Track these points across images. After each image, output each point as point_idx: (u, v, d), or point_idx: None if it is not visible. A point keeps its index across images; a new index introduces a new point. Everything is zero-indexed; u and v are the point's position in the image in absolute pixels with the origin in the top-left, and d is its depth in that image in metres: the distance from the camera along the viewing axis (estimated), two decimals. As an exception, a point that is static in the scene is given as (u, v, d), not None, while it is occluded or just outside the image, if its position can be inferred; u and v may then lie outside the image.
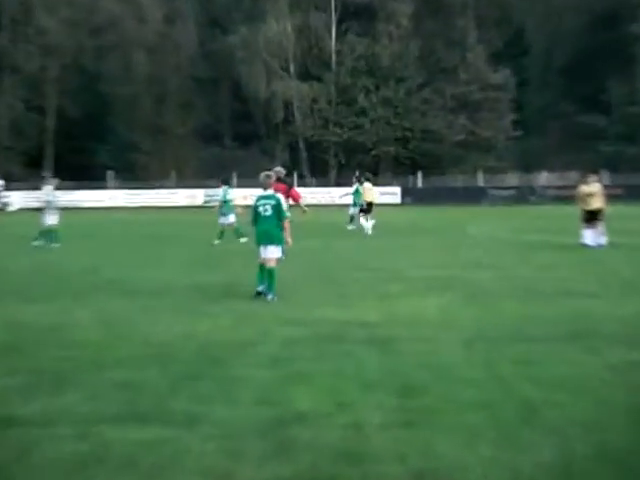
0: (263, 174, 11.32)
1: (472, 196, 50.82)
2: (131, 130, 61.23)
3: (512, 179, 56.54)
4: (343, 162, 62.30)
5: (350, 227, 27.56)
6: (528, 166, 56.30)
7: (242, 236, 21.25)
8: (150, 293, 11.84)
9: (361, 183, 27.67)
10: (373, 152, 61.71)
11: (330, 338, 8.30)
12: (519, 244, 18.26)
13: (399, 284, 12.58)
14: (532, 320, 9.21)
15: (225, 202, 22.54)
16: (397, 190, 54.56)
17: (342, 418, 5.59)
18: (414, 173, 57.05)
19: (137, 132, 61.27)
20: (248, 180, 55.38)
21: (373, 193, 26.34)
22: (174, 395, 6.14)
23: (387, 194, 53.69)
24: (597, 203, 18.33)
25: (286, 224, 11.18)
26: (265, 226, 11.03)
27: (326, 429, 5.40)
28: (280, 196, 11.19)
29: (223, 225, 22.20)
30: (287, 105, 62.30)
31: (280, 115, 62.02)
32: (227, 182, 23.27)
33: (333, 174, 62.61)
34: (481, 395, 6.11)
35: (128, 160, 61.10)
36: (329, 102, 62.04)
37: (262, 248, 11.08)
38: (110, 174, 56.27)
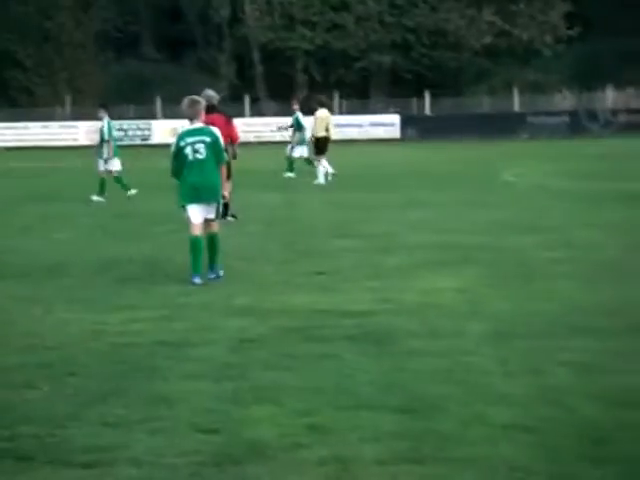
0: (187, 99, 11.20)
1: (505, 126, 51.04)
2: (1, 35, 60.41)
3: (564, 101, 56.72)
4: (317, 78, 62.15)
5: (288, 175, 27.46)
6: (588, 81, 56.36)
7: (128, 188, 22.12)
8: (34, 274, 11.78)
9: (311, 111, 27.28)
10: (360, 64, 61.60)
11: (301, 335, 8.35)
12: (575, 195, 18.47)
13: (399, 256, 12.68)
14: (594, 307, 9.27)
15: (105, 140, 22.18)
16: (395, 119, 54.63)
17: (318, 450, 5.60)
18: (420, 94, 57.03)
19: (12, 38, 60.47)
20: (178, 107, 55.05)
21: (329, 124, 26.18)
22: (74, 423, 6.12)
23: (380, 125, 53.81)
24: None
25: (223, 170, 11.22)
26: (199, 175, 10.88)
27: (295, 467, 5.40)
28: (215, 130, 11.16)
29: (103, 173, 22.06)
30: (234, -4, 61.77)
31: (224, 12, 61.56)
32: (106, 109, 23.03)
33: (302, 96, 62.54)
34: (521, 415, 6.14)
35: (1, 79, 60.35)
36: (295, -9, 61.58)
37: (197, 208, 10.96)
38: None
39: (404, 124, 53.44)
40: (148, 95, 57.64)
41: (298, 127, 28.69)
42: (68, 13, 61.45)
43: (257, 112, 56.50)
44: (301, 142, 28.29)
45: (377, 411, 6.25)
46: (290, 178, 27.43)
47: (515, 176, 26.44)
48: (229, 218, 16.46)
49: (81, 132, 53.22)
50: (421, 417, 6.14)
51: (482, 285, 10.58)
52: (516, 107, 56.12)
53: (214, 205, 11.04)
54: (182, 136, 11.03)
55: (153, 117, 54.85)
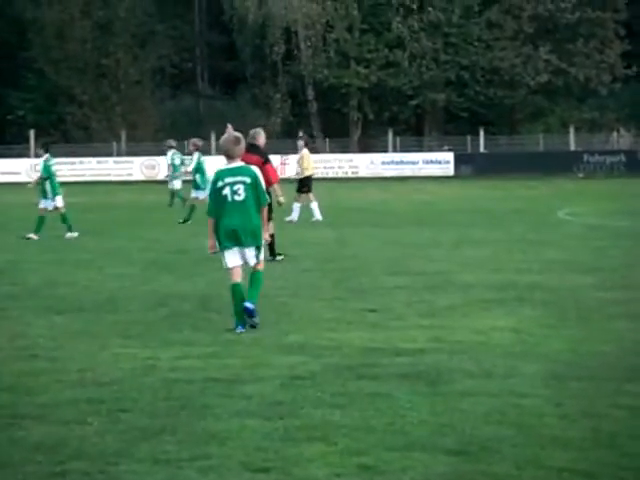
0: (231, 136, 10.70)
1: (561, 165, 50.73)
2: (59, 71, 61.47)
3: (620, 139, 56.29)
4: (370, 117, 62.28)
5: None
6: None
7: (70, 228, 21.62)
8: (89, 308, 11.87)
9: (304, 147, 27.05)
10: (414, 101, 61.62)
11: (353, 372, 8.31)
12: (633, 235, 18.24)
13: (452, 294, 12.62)
14: (655, 349, 9.15)
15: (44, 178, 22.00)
16: (449, 156, 54.54)
17: (370, 492, 5.59)
18: (474, 132, 56.89)
19: (69, 74, 61.51)
20: (232, 143, 55.41)
21: (310, 163, 26.22)
22: (124, 460, 6.13)
23: (434, 162, 53.75)
24: None
25: (264, 212, 10.58)
26: (239, 218, 10.26)
27: (348, 508, 5.40)
28: (256, 169, 10.60)
29: (45, 210, 21.88)
30: (289, 34, 62.28)
31: (279, 48, 62.00)
32: (47, 149, 22.95)
33: (356, 134, 62.71)
34: (577, 459, 6.05)
35: (57, 115, 61.40)
36: (350, 29, 61.96)
37: (236, 253, 10.37)
38: (31, 135, 56.47)
39: (458, 162, 53.34)
40: (203, 131, 58.14)
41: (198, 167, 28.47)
42: (124, 49, 62.33)
43: (311, 149, 56.66)
44: (178, 177, 28.44)
45: (429, 452, 6.20)
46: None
47: (571, 215, 26.22)
48: (278, 258, 16.47)
49: (135, 167, 53.81)
50: (474, 459, 6.07)
51: (537, 325, 10.47)
52: (572, 145, 55.79)
53: (253, 250, 10.42)
54: (221, 176, 10.40)
55: (207, 153, 55.29)
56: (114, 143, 57.40)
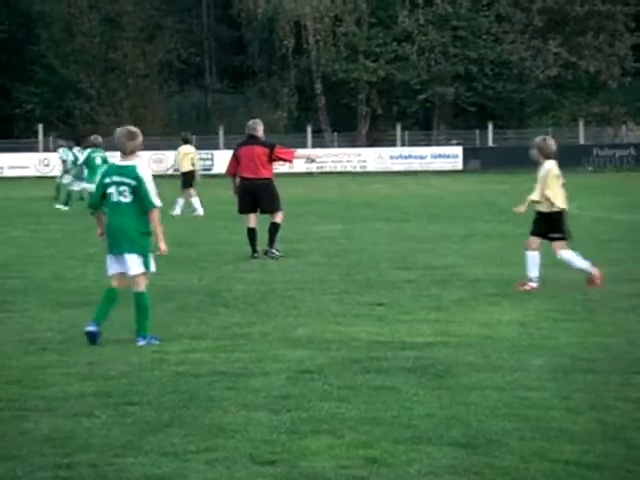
0: (124, 130, 9.81)
1: (570, 158, 50.41)
2: (68, 66, 61.54)
3: (630, 133, 56.14)
4: (378, 111, 62.22)
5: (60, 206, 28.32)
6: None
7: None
8: (97, 302, 11.88)
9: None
10: (422, 95, 61.53)
11: (360, 366, 8.33)
12: None
13: (459, 288, 12.65)
14: (663, 341, 9.17)
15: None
16: (458, 150, 54.45)
17: (377, 484, 5.61)
18: (483, 126, 56.78)
19: (77, 69, 61.59)
20: (241, 137, 55.44)
21: (194, 159, 26.72)
22: (131, 453, 6.15)
23: (442, 156, 53.66)
24: None
25: (154, 216, 9.50)
26: (118, 221, 9.45)
27: (354, 500, 5.41)
28: (144, 170, 9.58)
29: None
30: (297, 28, 62.24)
31: (287, 43, 61.97)
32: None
33: (364, 128, 62.68)
34: (584, 452, 6.07)
35: (65, 109, 61.46)
36: (358, 22, 61.92)
37: (114, 259, 9.57)
38: (39, 129, 56.59)
39: (467, 156, 53.25)
40: (211, 125, 58.22)
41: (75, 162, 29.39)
42: (132, 43, 62.35)
43: (319, 143, 56.71)
44: (79, 176, 28.75)
45: (435, 445, 6.22)
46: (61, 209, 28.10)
47: (579, 208, 26.15)
48: (275, 252, 16.27)
49: (143, 160, 53.79)
50: (481, 452, 6.08)
51: (544, 318, 10.49)
52: (581, 139, 55.65)
53: (135, 257, 9.50)
54: (109, 172, 9.64)
55: (215, 147, 55.29)
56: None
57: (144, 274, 9.67)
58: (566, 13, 60.07)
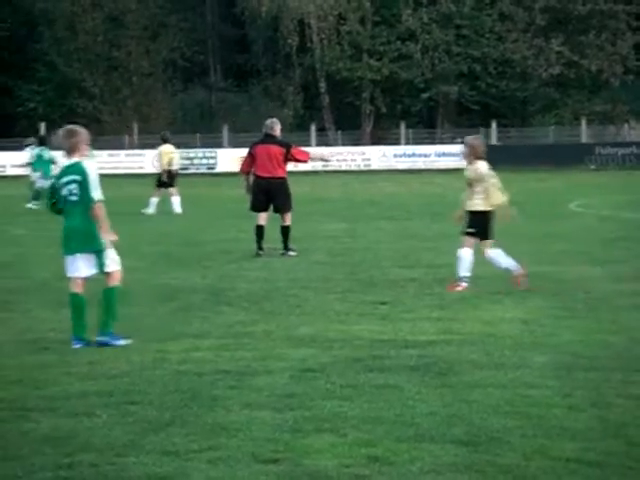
0: (63, 130, 9.69)
1: (572, 157, 50.58)
2: (71, 64, 61.52)
3: (632, 131, 56.10)
4: (383, 110, 62.19)
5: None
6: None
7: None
8: (97, 301, 11.87)
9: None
10: (426, 94, 61.54)
11: (363, 365, 8.33)
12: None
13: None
14: (661, 339, 9.16)
15: None
16: (461, 149, 54.40)
17: (380, 481, 5.61)
18: (486, 124, 56.75)
19: (80, 67, 61.57)
20: (245, 135, 55.50)
21: (172, 159, 26.85)
22: (133, 452, 6.14)
23: (446, 155, 53.63)
24: None
25: (98, 210, 9.38)
26: (71, 220, 9.42)
27: (356, 498, 5.41)
28: (88, 165, 9.48)
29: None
30: (301, 26, 62.24)
31: (291, 41, 61.97)
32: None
33: (368, 127, 62.66)
34: (585, 449, 6.06)
35: (67, 107, 61.43)
36: (362, 21, 61.91)
37: (73, 260, 9.48)
38: (41, 128, 56.56)
39: (470, 154, 53.23)
40: (215, 123, 58.23)
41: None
42: (136, 42, 62.35)
43: (323, 141, 56.70)
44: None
45: (438, 443, 6.21)
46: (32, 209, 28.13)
47: (582, 207, 26.16)
48: (291, 253, 16.40)
49: (147, 160, 53.86)
50: (483, 450, 6.08)
51: (546, 316, 10.48)
52: (584, 138, 55.62)
53: (92, 257, 9.46)
54: (61, 174, 9.56)
55: (219, 146, 55.31)
56: (126, 136, 57.44)
57: (106, 273, 9.59)
58: (568, 12, 60.06)
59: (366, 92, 62.24)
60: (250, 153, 16.61)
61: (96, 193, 9.38)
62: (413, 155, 53.93)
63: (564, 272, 13.73)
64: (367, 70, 61.19)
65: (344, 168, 52.24)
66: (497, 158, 51.67)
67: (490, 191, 12.42)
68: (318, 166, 43.25)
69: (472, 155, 12.62)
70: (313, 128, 56.18)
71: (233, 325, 10.27)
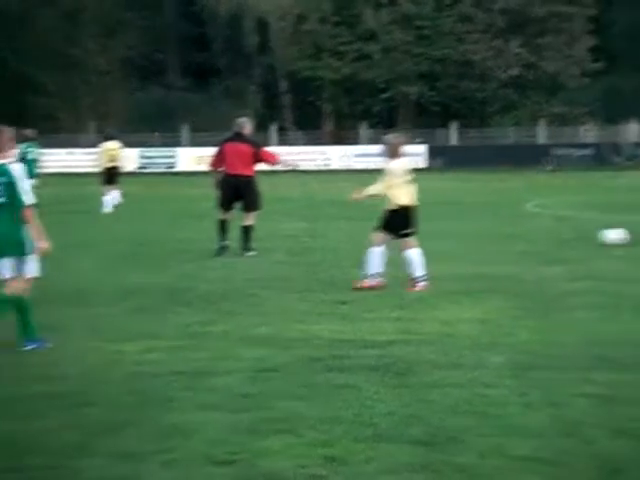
0: None
1: (530, 158, 50.92)
2: (25, 61, 60.82)
3: (588, 133, 56.62)
4: (343, 110, 62.24)
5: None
6: (612, 114, 56.37)
7: None
8: (54, 302, 11.77)
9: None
10: (386, 94, 61.67)
11: (322, 364, 8.32)
12: (598, 226, 18.29)
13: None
14: (619, 337, 9.23)
15: None
16: (421, 149, 54.54)
17: (336, 483, 5.59)
18: (446, 125, 57.03)
19: (35, 64, 60.89)
20: (204, 135, 55.34)
21: (116, 156, 27.03)
22: (85, 455, 6.08)
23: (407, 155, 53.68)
24: None
25: (27, 215, 9.01)
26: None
27: (313, 500, 5.40)
28: (16, 167, 9.11)
29: None
30: (261, 25, 62.17)
31: (251, 40, 61.88)
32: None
33: (329, 127, 62.69)
34: (540, 447, 6.09)
35: (22, 105, 60.65)
36: (322, 21, 61.90)
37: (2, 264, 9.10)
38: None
39: (430, 154, 53.40)
40: (174, 123, 57.94)
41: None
42: (93, 40, 61.85)
43: (284, 141, 56.65)
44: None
45: (395, 443, 6.21)
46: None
47: (539, 207, 26.32)
48: (249, 253, 16.37)
49: (123, 158, 53.46)
50: (439, 449, 6.09)
51: (504, 316, 10.51)
52: (541, 139, 56.02)
53: (20, 259, 9.10)
54: None
55: (179, 145, 55.07)
56: (83, 134, 56.95)
57: (25, 279, 9.22)
58: (527, 14, 60.48)
59: (326, 92, 62.26)
60: (220, 150, 16.73)
61: (27, 197, 9.03)
62: (373, 155, 54.02)
63: (522, 272, 13.78)
64: (328, 70, 61.19)
65: (304, 168, 52.21)
66: (457, 158, 52.32)
67: (394, 189, 12.51)
68: (277, 166, 43.15)
69: (391, 153, 12.73)
70: (274, 128, 56.10)
71: (191, 325, 10.20)
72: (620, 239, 16.77)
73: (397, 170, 12.67)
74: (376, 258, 12.53)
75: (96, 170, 28.04)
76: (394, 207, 12.65)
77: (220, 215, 16.70)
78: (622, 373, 7.90)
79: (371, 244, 12.70)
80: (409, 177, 12.74)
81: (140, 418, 6.82)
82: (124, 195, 26.95)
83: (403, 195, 12.67)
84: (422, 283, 12.45)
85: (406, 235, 12.70)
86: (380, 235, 12.70)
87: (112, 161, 26.95)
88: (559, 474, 5.66)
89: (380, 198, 13.03)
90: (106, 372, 8.21)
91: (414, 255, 12.58)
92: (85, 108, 60.41)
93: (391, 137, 13.05)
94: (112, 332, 9.69)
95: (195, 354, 8.82)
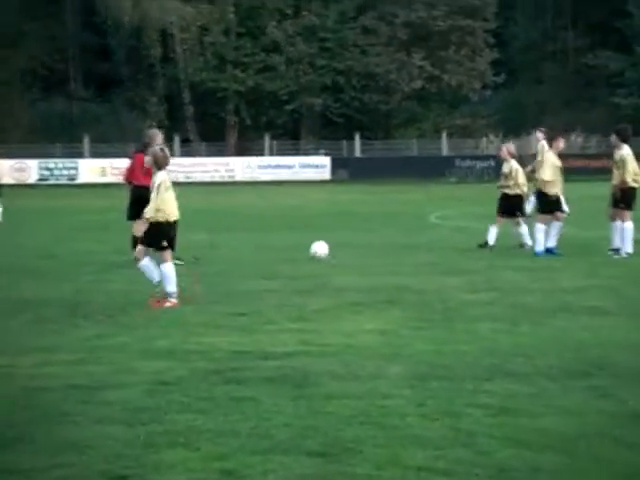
0: None
1: (433, 169, 51.58)
2: None
3: (490, 145, 57.56)
4: (247, 121, 62.20)
5: None
6: (514, 126, 57.39)
7: None
8: None
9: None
10: (291, 106, 61.84)
11: (220, 377, 8.28)
12: (502, 238, 18.58)
13: (322, 298, 12.66)
14: (515, 348, 9.36)
15: None
16: (325, 161, 54.84)
17: (231, 496, 5.58)
18: (350, 137, 57.43)
19: None
20: (106, 146, 54.76)
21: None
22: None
23: (310, 166, 53.98)
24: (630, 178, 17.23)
25: None
26: None
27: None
28: None
29: None
30: (164, 36, 61.78)
31: (154, 51, 61.45)
32: None
33: (233, 138, 62.55)
34: (436, 457, 6.15)
35: None
36: (226, 32, 61.85)
37: None
38: None
39: (334, 166, 53.67)
40: (76, 134, 57.20)
41: None
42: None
43: (187, 152, 56.35)
44: None
45: (291, 455, 6.21)
46: None
47: (441, 218, 26.66)
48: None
49: (4, 170, 52.50)
50: (335, 460, 6.11)
51: (404, 327, 10.59)
52: (444, 151, 56.77)
53: None
54: None
55: (80, 156, 54.38)
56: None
57: None
58: (429, 27, 61.26)
59: (230, 103, 62.14)
60: (130, 162, 16.76)
61: None
62: (277, 166, 54.08)
63: (422, 283, 13.92)
64: (231, 81, 61.11)
65: (207, 179, 52.00)
66: (361, 170, 52.67)
67: (162, 202, 12.16)
68: (180, 177, 42.96)
69: (155, 165, 12.46)
70: (177, 139, 55.76)
71: (89, 339, 10.06)
72: (325, 254, 16.90)
73: (167, 182, 12.28)
74: (171, 277, 12.18)
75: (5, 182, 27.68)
76: (164, 220, 12.23)
77: (133, 230, 16.42)
78: (517, 384, 8.00)
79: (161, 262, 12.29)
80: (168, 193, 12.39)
81: (33, 433, 6.70)
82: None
83: (169, 208, 12.27)
84: (173, 300, 12.20)
85: (166, 248, 12.33)
86: (142, 249, 12.38)
87: None
88: (453, 483, 5.72)
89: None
90: (-2, 387, 8.07)
91: (168, 270, 12.30)
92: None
93: (153, 149, 12.68)
94: (6, 346, 9.50)
95: (92, 367, 8.70)
